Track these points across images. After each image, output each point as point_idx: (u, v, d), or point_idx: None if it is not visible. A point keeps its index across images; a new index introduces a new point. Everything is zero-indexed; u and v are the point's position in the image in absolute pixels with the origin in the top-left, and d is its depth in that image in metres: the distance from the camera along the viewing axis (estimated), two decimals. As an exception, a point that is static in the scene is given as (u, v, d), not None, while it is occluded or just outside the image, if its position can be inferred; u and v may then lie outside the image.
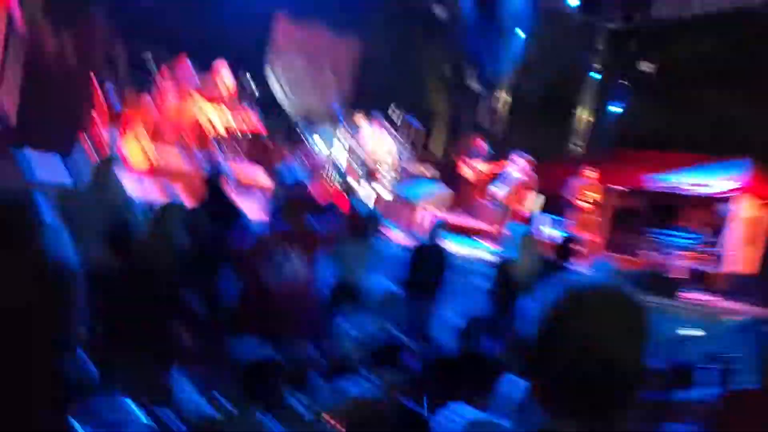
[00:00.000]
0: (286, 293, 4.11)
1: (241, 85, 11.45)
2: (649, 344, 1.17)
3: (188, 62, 10.93)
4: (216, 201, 5.14)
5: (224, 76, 9.52)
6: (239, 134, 10.93)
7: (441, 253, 6.08)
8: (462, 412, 1.32)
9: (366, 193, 9.90)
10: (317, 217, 4.62)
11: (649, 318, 1.18)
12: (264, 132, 11.55)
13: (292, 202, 4.36)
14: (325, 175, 10.13)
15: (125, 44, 12.69)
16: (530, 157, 11.23)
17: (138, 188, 6.65)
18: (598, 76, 15.68)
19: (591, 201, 11.06)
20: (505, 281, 5.60)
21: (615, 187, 12.06)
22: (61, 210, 4.66)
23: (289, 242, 4.10)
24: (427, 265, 5.93)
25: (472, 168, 12.50)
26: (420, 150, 12.35)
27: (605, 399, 1.14)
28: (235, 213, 5.12)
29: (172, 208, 4.11)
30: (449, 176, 12.69)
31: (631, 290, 1.21)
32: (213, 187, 5.17)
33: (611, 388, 1.14)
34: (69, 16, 7.87)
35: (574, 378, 1.14)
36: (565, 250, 5.91)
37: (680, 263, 11.86)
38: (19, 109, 7.15)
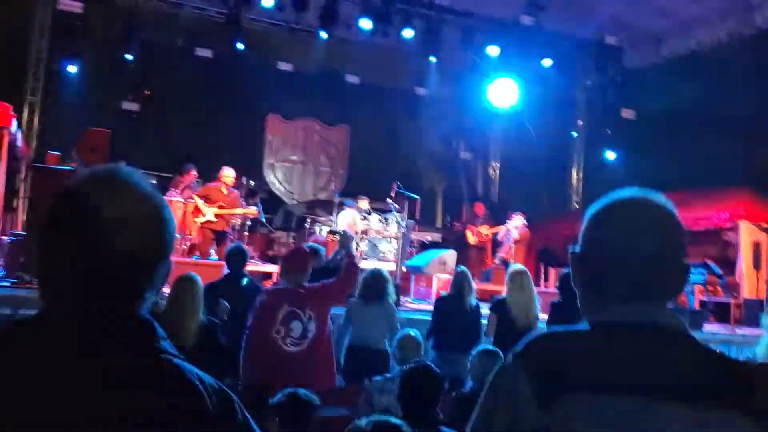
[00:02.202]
0: (297, 353, 4.21)
1: (244, 185, 12.04)
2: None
3: (195, 172, 11.49)
4: (236, 278, 5.37)
5: (228, 178, 10.05)
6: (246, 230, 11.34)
7: (467, 303, 6.11)
8: None
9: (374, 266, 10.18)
10: (322, 274, 4.76)
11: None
12: (270, 227, 11.98)
13: (292, 260, 4.50)
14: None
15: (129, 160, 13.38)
16: (523, 216, 11.57)
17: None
18: (583, 131, 16.17)
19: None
20: (503, 320, 5.68)
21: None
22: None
23: (293, 300, 4.23)
24: (454, 316, 5.99)
25: (474, 232, 12.82)
26: (421, 220, 12.73)
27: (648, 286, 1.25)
28: (254, 290, 5.31)
29: (187, 280, 4.33)
30: (452, 242, 13.00)
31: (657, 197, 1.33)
32: (232, 266, 5.40)
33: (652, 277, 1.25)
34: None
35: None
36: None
37: (695, 298, 11.93)
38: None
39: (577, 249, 1.34)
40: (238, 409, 1.15)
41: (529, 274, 5.88)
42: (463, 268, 6.41)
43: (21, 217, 9.73)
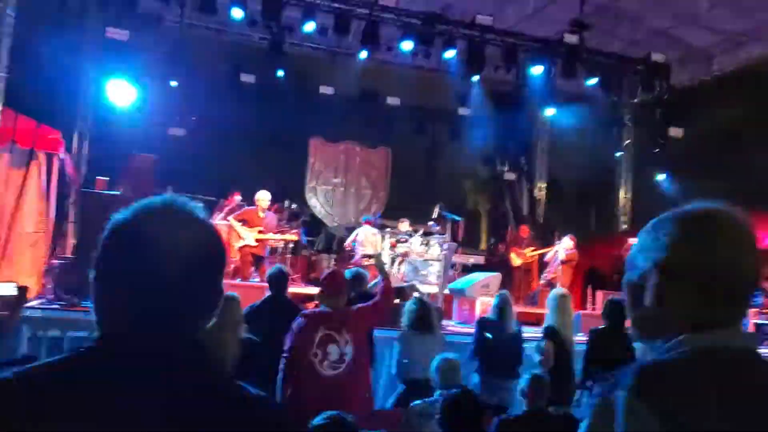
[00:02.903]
0: (335, 377, 4.17)
1: (287, 208, 12.12)
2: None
3: (239, 196, 11.60)
4: (277, 300, 5.39)
5: (263, 202, 10.15)
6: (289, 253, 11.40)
7: (509, 328, 6.03)
8: None
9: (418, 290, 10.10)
10: (364, 299, 4.71)
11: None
12: (312, 249, 12.00)
13: (329, 283, 4.47)
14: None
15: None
16: (573, 238, 11.37)
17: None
18: (631, 150, 15.88)
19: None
20: (555, 344, 5.58)
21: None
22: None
23: (330, 324, 4.18)
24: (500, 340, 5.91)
25: (519, 255, 12.63)
26: (465, 242, 12.61)
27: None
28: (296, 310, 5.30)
29: (226, 299, 4.32)
30: (496, 265, 12.82)
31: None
32: (273, 288, 5.42)
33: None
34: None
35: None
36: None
37: (749, 320, 11.51)
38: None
39: (665, 263, 1.24)
40: (292, 423, 1.18)
41: (570, 297, 5.78)
42: (504, 291, 6.33)
43: (70, 240, 9.92)
